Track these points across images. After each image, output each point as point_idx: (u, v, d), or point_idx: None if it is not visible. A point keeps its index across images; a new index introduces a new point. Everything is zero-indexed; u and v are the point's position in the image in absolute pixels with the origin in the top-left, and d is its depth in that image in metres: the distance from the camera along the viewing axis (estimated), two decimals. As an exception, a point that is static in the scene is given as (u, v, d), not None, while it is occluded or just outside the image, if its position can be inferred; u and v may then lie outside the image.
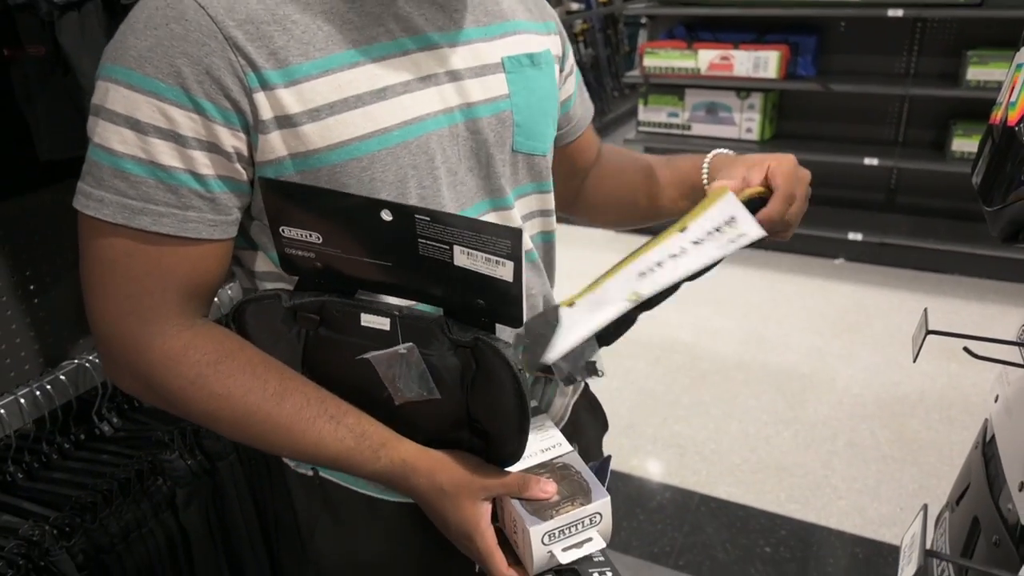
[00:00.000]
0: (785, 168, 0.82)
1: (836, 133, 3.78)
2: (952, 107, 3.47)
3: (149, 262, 0.67)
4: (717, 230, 0.74)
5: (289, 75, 0.65)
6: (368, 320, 0.71)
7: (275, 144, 0.67)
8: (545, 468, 0.75)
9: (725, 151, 0.90)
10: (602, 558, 0.77)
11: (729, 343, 2.96)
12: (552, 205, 0.90)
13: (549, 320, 0.74)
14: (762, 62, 3.57)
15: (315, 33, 0.67)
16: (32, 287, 1.08)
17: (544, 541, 0.69)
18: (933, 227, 3.52)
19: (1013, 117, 0.66)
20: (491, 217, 0.80)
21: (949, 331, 0.80)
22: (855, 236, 3.52)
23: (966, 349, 0.79)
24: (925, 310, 0.83)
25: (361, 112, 0.68)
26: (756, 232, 0.74)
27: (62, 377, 1.00)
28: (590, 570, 0.73)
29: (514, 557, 0.72)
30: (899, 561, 0.49)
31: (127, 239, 0.66)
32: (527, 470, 0.74)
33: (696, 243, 0.74)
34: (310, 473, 0.83)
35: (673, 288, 0.74)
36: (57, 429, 1.04)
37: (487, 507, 0.72)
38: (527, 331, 0.74)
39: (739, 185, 0.80)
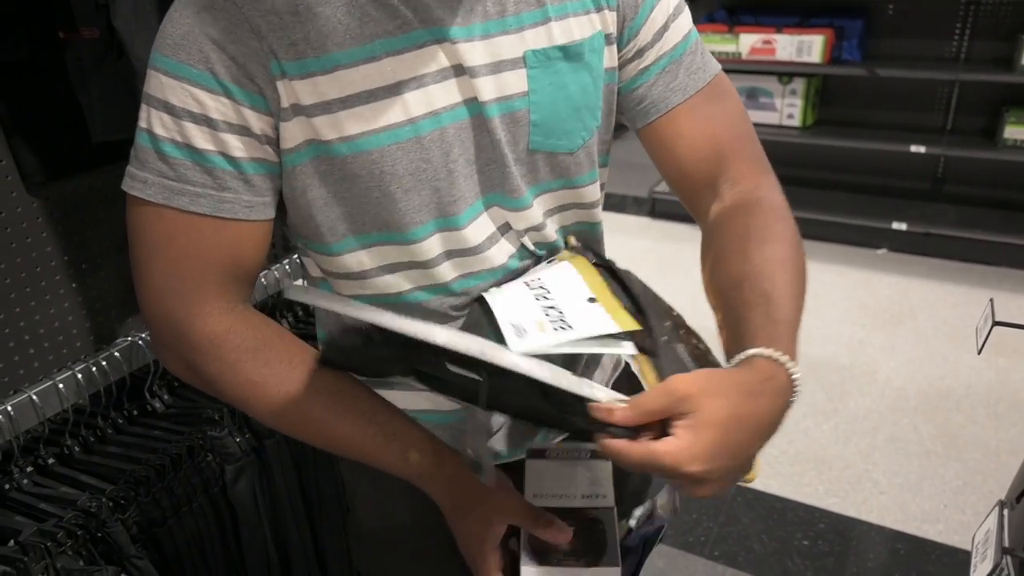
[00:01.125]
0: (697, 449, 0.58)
1: (881, 120, 3.68)
2: (1005, 93, 3.36)
3: (188, 244, 0.69)
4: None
5: (304, 68, 0.67)
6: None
7: (294, 131, 0.68)
8: (576, 514, 0.73)
9: (772, 358, 0.64)
10: None
11: (768, 333, 2.91)
12: (593, 197, 0.84)
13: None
14: (806, 46, 3.49)
15: (334, 27, 0.67)
16: (84, 267, 1.12)
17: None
18: (982, 217, 3.42)
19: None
20: (497, 213, 0.78)
21: (1018, 323, 0.78)
22: (899, 226, 3.43)
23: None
24: (991, 300, 0.81)
25: (372, 107, 0.68)
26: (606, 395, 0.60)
27: (116, 354, 1.02)
28: None
29: None
30: (971, 558, 0.49)
31: (168, 220, 0.69)
32: (560, 510, 0.73)
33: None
34: None
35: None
36: (111, 405, 1.08)
37: (498, 530, 0.73)
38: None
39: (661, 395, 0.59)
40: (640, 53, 0.82)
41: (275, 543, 1.18)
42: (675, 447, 0.56)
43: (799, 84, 3.63)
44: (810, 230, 3.70)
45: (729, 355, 0.67)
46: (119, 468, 0.98)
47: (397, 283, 0.78)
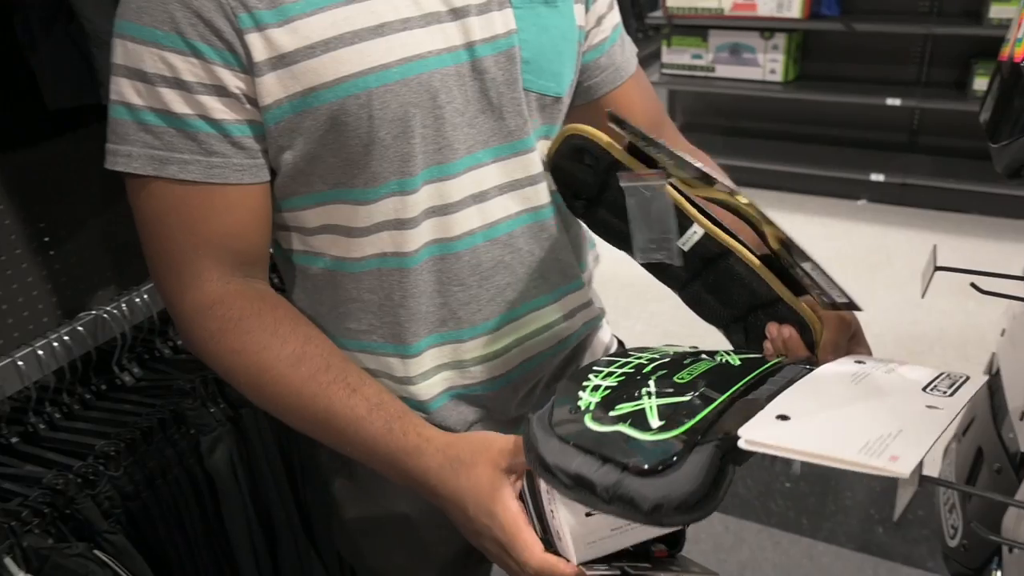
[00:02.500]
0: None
1: (860, 74, 3.69)
2: (974, 45, 3.37)
3: (181, 217, 0.68)
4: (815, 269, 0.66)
5: (283, 13, 0.65)
6: None
7: (272, 87, 0.66)
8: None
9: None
10: (680, 565, 0.68)
11: (748, 287, 2.94)
12: None
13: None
14: (786, 1, 3.47)
15: None
16: (47, 239, 1.09)
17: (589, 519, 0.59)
18: (954, 167, 3.45)
19: (1020, 53, 0.64)
20: (506, 165, 0.77)
21: (956, 267, 0.80)
22: (877, 177, 3.46)
23: (973, 285, 0.79)
24: (934, 247, 0.82)
25: (358, 48, 0.66)
26: (852, 300, 0.66)
27: (80, 328, 1.02)
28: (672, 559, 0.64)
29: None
30: (897, 487, 0.50)
31: (159, 195, 0.67)
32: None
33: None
34: None
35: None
36: (77, 380, 1.07)
37: (511, 479, 0.64)
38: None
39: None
40: (599, 21, 0.86)
41: (257, 515, 1.18)
42: None
43: (780, 39, 3.61)
44: (792, 183, 3.74)
45: None
46: (88, 444, 0.98)
47: (356, 245, 0.75)
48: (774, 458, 0.51)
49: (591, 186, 0.75)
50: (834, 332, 0.69)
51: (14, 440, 1.00)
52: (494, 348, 0.82)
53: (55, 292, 1.12)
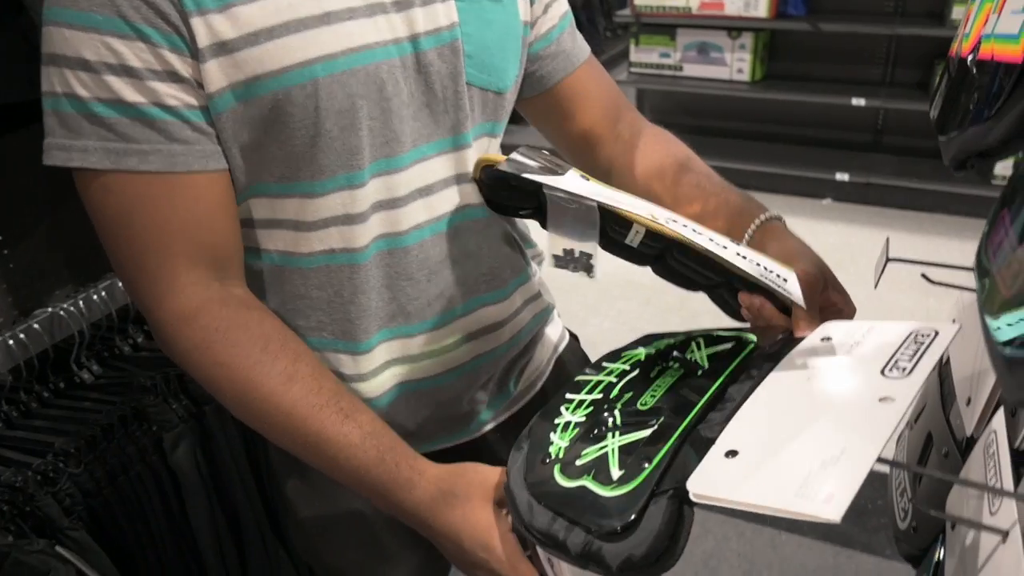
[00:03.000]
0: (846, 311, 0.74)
1: (826, 74, 3.73)
2: (937, 46, 3.43)
3: (147, 215, 0.65)
4: (763, 267, 0.67)
5: None
6: None
7: (215, 75, 0.64)
8: None
9: (779, 218, 0.80)
10: None
11: (716, 285, 2.98)
12: (497, 149, 0.84)
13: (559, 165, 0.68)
14: (753, 1, 3.50)
15: None
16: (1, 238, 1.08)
17: None
18: (917, 167, 3.50)
19: (966, 48, 0.66)
20: (450, 158, 0.77)
21: (907, 258, 0.82)
22: (842, 176, 3.51)
23: (924, 275, 0.81)
24: (887, 239, 0.84)
25: (304, 36, 0.65)
26: (797, 296, 0.66)
27: (36, 326, 1.00)
28: None
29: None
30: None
31: (120, 191, 0.64)
32: None
33: (741, 255, 0.67)
34: None
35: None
36: (35, 378, 1.06)
37: (504, 513, 0.65)
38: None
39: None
40: (546, 9, 0.85)
41: (224, 511, 1.17)
42: None
43: (748, 39, 3.65)
44: (759, 182, 3.77)
45: (732, 231, 0.77)
46: (47, 441, 0.97)
47: (304, 240, 0.73)
48: None
49: (527, 203, 0.76)
50: (804, 290, 0.69)
51: (-31, 439, 0.99)
52: (444, 343, 0.81)
53: (10, 291, 1.10)
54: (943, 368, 0.86)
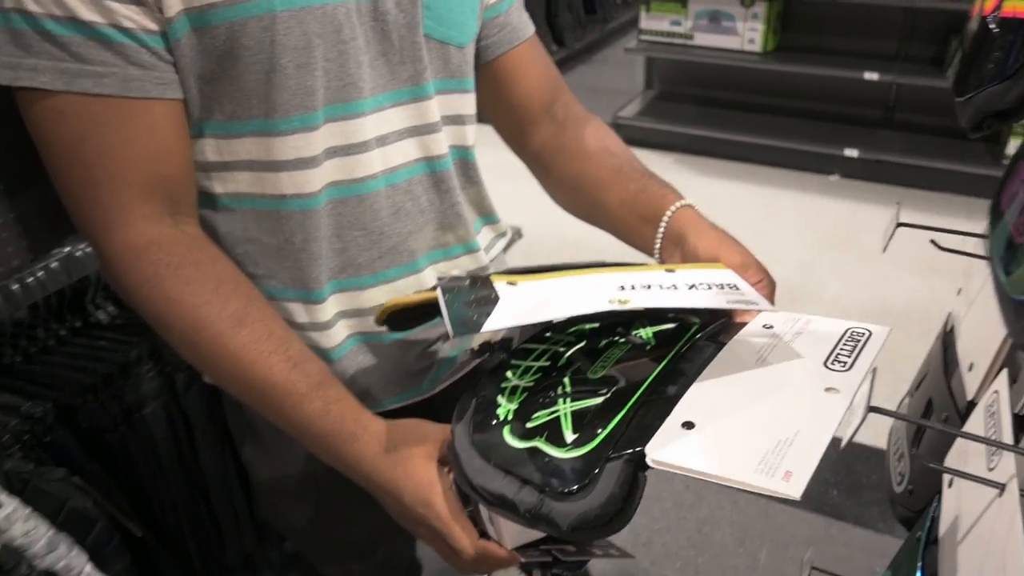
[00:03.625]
0: (770, 291, 0.74)
1: (839, 46, 3.69)
2: (955, 20, 3.38)
3: (101, 141, 0.63)
4: (716, 287, 0.66)
5: None
6: None
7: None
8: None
9: (693, 206, 0.82)
10: None
11: (720, 256, 2.98)
12: (472, 110, 0.83)
13: (482, 287, 0.64)
14: (768, -34, 3.45)
15: None
16: (14, 180, 1.07)
17: None
18: (928, 145, 3.49)
19: (988, 7, 0.66)
20: (408, 110, 0.76)
21: (917, 224, 0.83)
22: (851, 152, 3.49)
23: (933, 242, 0.82)
24: (898, 204, 0.85)
25: None
26: (765, 304, 0.66)
27: (53, 265, 1.01)
28: (590, 547, 0.66)
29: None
30: (843, 418, 0.54)
31: (73, 116, 0.61)
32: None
33: (690, 287, 0.65)
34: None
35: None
36: (52, 316, 1.07)
37: (445, 471, 0.65)
38: (448, 290, 0.64)
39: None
40: None
41: (232, 452, 1.20)
42: None
43: (761, 7, 3.60)
44: (765, 155, 3.76)
45: (647, 218, 0.82)
46: (64, 377, 0.99)
47: (256, 182, 0.72)
48: None
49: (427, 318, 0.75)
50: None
51: (-10, 372, 1.01)
52: None
53: (24, 235, 1.10)
54: (947, 336, 0.88)
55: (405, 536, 1.04)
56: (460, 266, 0.86)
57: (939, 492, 0.69)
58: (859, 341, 0.63)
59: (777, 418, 0.55)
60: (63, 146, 0.63)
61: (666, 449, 0.54)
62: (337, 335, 0.79)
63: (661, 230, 0.81)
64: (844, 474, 1.96)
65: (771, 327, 0.68)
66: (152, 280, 0.65)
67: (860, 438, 2.04)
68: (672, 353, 0.66)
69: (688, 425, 0.56)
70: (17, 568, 0.81)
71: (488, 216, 0.92)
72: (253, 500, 1.22)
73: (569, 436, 0.58)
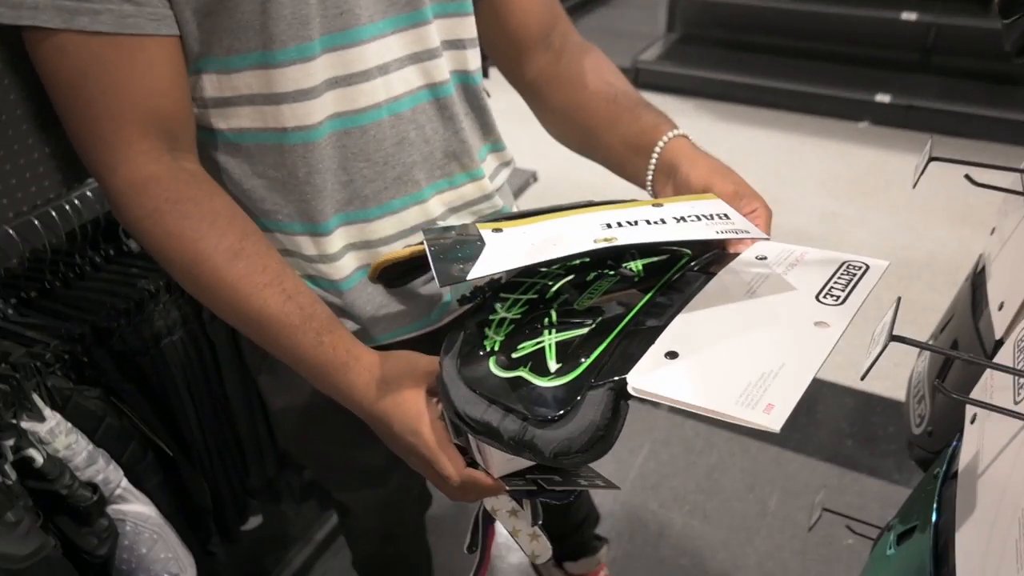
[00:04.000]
0: (766, 221, 0.72)
1: (875, -16, 3.56)
2: (1002, -40, 3.26)
3: (101, 77, 0.64)
4: (705, 218, 0.65)
5: None
6: None
7: None
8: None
9: (686, 136, 0.81)
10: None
11: (743, 203, 2.95)
12: (472, 34, 0.82)
13: (468, 235, 0.64)
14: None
15: None
16: (48, 116, 1.08)
17: None
18: (966, 90, 3.36)
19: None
20: (408, 36, 0.75)
21: (950, 158, 0.81)
22: (883, 98, 3.38)
23: (967, 176, 0.81)
24: (932, 139, 0.84)
25: None
26: (757, 233, 0.65)
27: (89, 193, 1.03)
28: (575, 476, 0.67)
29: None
30: (867, 346, 0.54)
31: (73, 53, 0.63)
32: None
33: (678, 220, 0.65)
34: None
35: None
36: (88, 244, 1.09)
37: (434, 401, 0.67)
38: (434, 241, 0.64)
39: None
40: None
41: (256, 380, 1.23)
42: None
43: (791, -56, 3.48)
44: (791, 101, 3.65)
45: (639, 148, 0.81)
46: (100, 301, 1.01)
47: (257, 116, 0.72)
48: None
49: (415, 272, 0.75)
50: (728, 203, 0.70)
51: (32, 295, 1.04)
52: (401, 229, 0.81)
53: (59, 169, 1.11)
54: (976, 277, 0.88)
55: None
56: (465, 195, 0.86)
57: (960, 431, 0.69)
58: (855, 275, 0.62)
59: (762, 351, 0.54)
60: (66, 84, 0.65)
61: (647, 378, 0.55)
62: (346, 267, 0.80)
63: (653, 161, 0.80)
64: (860, 424, 1.97)
65: (764, 258, 0.67)
66: (152, 215, 0.67)
67: (876, 389, 2.06)
68: (660, 284, 0.66)
69: (672, 355, 0.56)
70: (61, 478, 0.85)
71: (494, 144, 0.91)
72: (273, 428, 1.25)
73: (553, 365, 0.59)
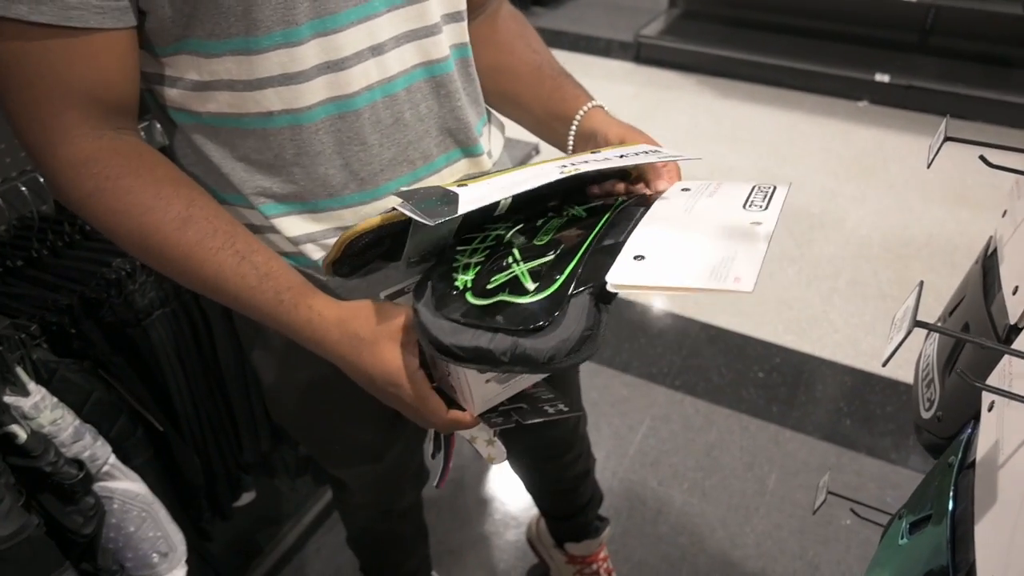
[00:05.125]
0: (678, 173, 0.79)
1: (879, -37, 3.54)
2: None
3: (40, 63, 0.61)
4: (642, 152, 0.73)
5: None
6: None
7: None
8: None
9: (603, 107, 0.86)
10: (550, 393, 0.78)
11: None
12: (463, 6, 0.80)
13: (437, 191, 0.64)
14: None
15: None
16: None
17: (485, 376, 0.68)
18: (965, 72, 3.37)
19: None
20: (401, 14, 0.72)
21: (966, 139, 0.79)
22: (882, 78, 3.38)
23: (982, 158, 0.78)
24: (947, 117, 0.81)
25: None
26: (690, 154, 0.74)
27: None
28: (542, 405, 0.73)
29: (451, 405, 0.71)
30: (889, 332, 0.52)
31: (14, 35, 0.60)
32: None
33: (621, 156, 0.72)
34: None
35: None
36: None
37: (412, 351, 0.68)
38: (407, 196, 0.64)
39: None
40: None
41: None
42: None
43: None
44: (792, 79, 3.64)
45: (560, 116, 0.86)
46: (89, 271, 0.99)
47: (237, 102, 0.70)
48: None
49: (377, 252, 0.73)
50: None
51: (19, 264, 1.01)
52: None
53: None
54: (987, 260, 0.86)
55: (413, 442, 1.06)
56: (461, 171, 0.85)
57: (974, 417, 0.68)
58: (768, 191, 0.72)
59: (716, 245, 0.62)
60: (5, 66, 0.62)
61: (624, 275, 0.60)
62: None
63: (574, 127, 0.85)
64: (857, 404, 1.97)
65: (688, 189, 0.75)
66: (95, 194, 0.66)
67: (874, 368, 2.05)
68: (606, 216, 0.72)
69: (639, 258, 0.62)
70: (45, 455, 0.83)
71: (488, 114, 0.90)
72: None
73: (530, 286, 0.63)
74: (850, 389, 2.03)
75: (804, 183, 2.93)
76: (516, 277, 0.64)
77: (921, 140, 3.21)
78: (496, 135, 0.93)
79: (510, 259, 0.67)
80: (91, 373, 0.90)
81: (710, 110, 3.42)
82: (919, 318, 0.51)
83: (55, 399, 0.85)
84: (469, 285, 0.65)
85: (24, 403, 0.83)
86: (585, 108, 0.85)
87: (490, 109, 0.92)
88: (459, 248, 0.71)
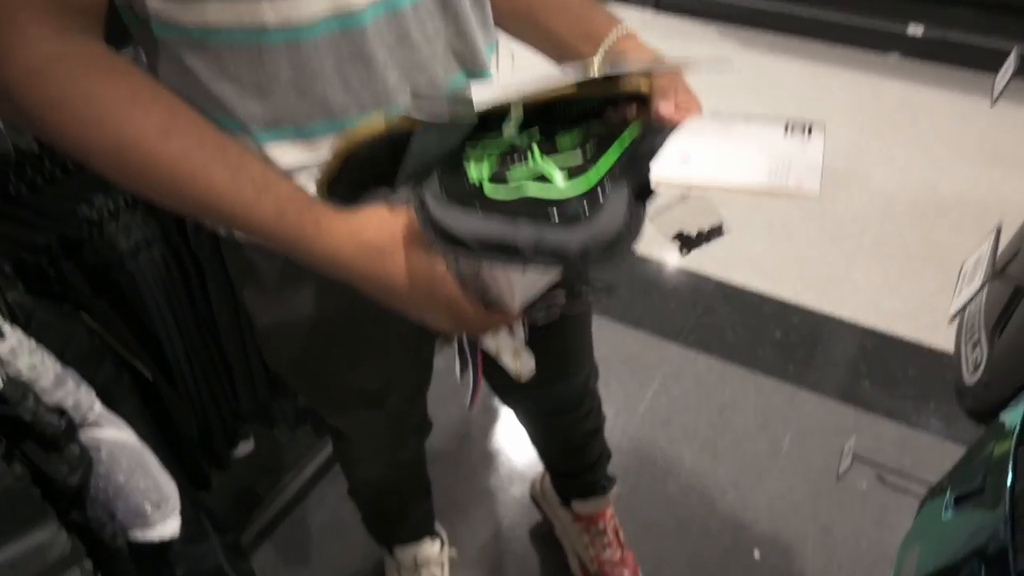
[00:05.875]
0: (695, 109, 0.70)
1: (914, -94, 3.36)
2: None
3: None
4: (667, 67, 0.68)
5: None
6: None
7: None
8: None
9: (636, 35, 0.79)
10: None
11: (764, 134, 2.83)
12: None
13: (450, 96, 0.60)
14: None
15: None
16: None
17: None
18: (1005, 24, 3.20)
19: None
20: None
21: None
22: (915, 30, 3.22)
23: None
24: (1015, 50, 0.74)
25: None
26: (719, 63, 0.68)
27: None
28: (579, 288, 0.68)
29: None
30: (956, 283, 0.45)
31: None
32: None
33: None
34: (223, 233, 0.74)
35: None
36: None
37: (434, 255, 0.62)
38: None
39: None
40: None
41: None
42: None
43: None
44: (819, 30, 3.50)
45: (590, 36, 0.78)
46: (70, 209, 0.92)
47: (230, 9, 0.62)
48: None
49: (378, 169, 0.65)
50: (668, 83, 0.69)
51: (-5, 201, 0.95)
52: None
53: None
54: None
55: (413, 389, 1.01)
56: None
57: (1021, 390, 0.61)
58: (805, 124, 0.64)
59: (767, 152, 0.57)
60: None
61: (671, 172, 0.55)
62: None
63: (602, 51, 0.78)
64: (878, 366, 1.91)
65: (719, 116, 0.68)
66: (62, 103, 0.58)
67: (898, 330, 1.98)
68: (632, 127, 0.64)
69: (684, 159, 0.56)
70: (24, 401, 0.77)
71: (498, 42, 0.84)
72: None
73: (561, 178, 0.57)
74: (870, 351, 1.96)
75: (829, 138, 2.82)
76: (542, 173, 0.57)
77: (953, 95, 3.08)
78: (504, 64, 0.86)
79: (531, 157, 0.60)
80: (71, 316, 0.84)
81: (732, 60, 3.30)
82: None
83: (33, 342, 0.80)
84: (487, 176, 0.58)
85: (0, 347, 0.77)
86: (619, 32, 0.78)
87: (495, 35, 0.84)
88: (466, 144, 0.63)
